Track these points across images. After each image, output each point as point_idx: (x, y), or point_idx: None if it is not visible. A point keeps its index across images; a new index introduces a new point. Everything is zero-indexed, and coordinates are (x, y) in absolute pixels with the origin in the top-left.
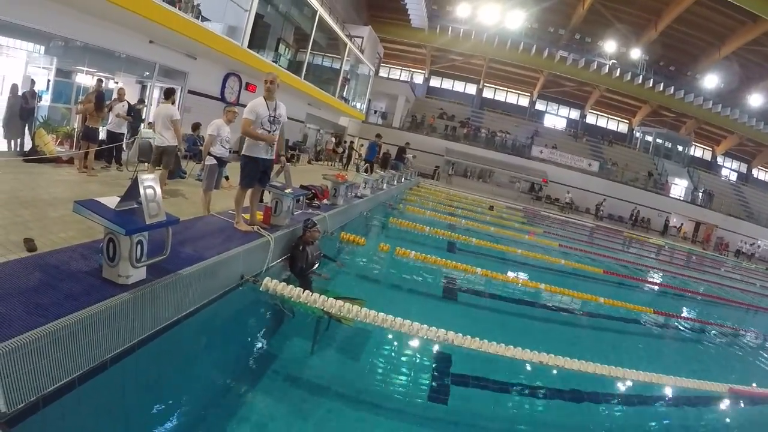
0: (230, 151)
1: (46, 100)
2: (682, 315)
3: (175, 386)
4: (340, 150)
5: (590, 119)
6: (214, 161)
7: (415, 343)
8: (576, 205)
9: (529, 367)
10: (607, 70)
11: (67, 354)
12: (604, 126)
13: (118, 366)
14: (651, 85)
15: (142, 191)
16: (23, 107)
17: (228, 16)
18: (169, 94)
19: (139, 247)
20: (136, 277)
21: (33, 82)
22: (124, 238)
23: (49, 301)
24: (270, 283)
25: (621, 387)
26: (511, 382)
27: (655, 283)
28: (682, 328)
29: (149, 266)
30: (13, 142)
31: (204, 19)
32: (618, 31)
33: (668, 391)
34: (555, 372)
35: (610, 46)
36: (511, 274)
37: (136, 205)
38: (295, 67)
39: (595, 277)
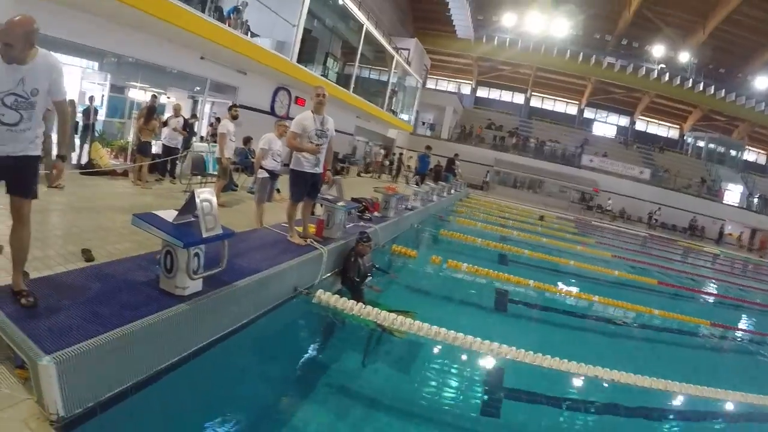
0: (282, 164)
1: (100, 115)
2: (740, 326)
3: (228, 396)
4: (388, 162)
5: (640, 126)
6: (266, 174)
7: (466, 355)
8: (628, 213)
9: (582, 381)
10: (655, 75)
11: (124, 362)
12: (655, 132)
13: (173, 375)
14: (701, 88)
15: (198, 204)
16: (82, 122)
17: (276, 32)
18: (230, 109)
19: (196, 259)
20: (192, 288)
21: (92, 98)
22: (182, 251)
23: (107, 310)
24: (323, 295)
25: (677, 402)
26: (564, 396)
27: (711, 294)
28: (740, 340)
29: (206, 278)
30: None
31: (253, 35)
32: (665, 34)
33: (727, 407)
34: (609, 386)
35: (657, 50)
36: (563, 286)
37: (193, 219)
38: (343, 80)
39: (649, 288)
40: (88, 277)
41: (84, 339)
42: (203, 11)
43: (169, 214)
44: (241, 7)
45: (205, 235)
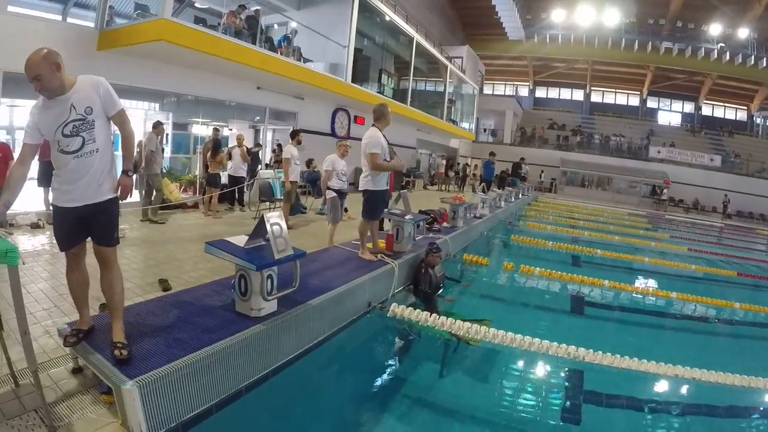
0: (348, 183)
1: (166, 152)
2: None
3: (308, 412)
4: (452, 174)
5: (706, 110)
6: (334, 194)
7: (544, 361)
8: (702, 204)
9: (663, 381)
10: (716, 56)
11: (204, 383)
12: (722, 116)
13: (253, 394)
14: (765, 64)
15: (269, 228)
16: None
17: (328, 55)
18: (293, 136)
19: (269, 281)
20: (267, 309)
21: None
22: (255, 274)
23: (187, 335)
24: (396, 309)
25: (765, 398)
26: (646, 397)
27: None
28: None
29: (280, 298)
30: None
31: (306, 60)
32: (721, 11)
33: None
34: (691, 385)
35: (714, 29)
36: (638, 284)
37: (264, 242)
38: (399, 95)
39: (729, 281)
40: (166, 305)
41: (165, 363)
42: (254, 43)
43: (240, 240)
44: (291, 35)
45: (276, 256)
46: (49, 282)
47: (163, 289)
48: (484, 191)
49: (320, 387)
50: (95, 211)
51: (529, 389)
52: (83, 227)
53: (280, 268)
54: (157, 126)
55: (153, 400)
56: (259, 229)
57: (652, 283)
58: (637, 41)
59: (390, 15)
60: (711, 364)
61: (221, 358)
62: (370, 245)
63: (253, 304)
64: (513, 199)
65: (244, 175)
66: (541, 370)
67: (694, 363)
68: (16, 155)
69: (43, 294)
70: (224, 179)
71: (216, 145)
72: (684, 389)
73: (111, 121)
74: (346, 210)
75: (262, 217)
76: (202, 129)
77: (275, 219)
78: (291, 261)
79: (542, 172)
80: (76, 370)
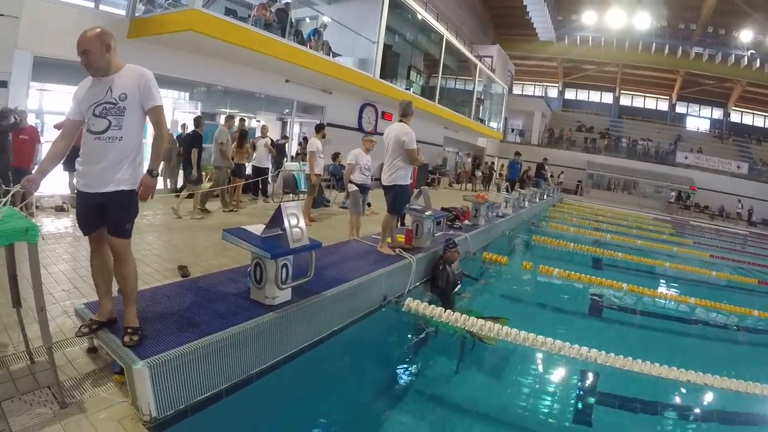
0: (372, 179)
1: None
2: None
3: (318, 401)
4: (479, 174)
5: (734, 117)
6: (356, 188)
7: (559, 361)
8: (726, 211)
9: (678, 387)
10: (746, 62)
11: (215, 367)
12: (750, 123)
13: (264, 380)
14: None
15: (285, 218)
16: (178, 151)
17: (357, 50)
18: (318, 129)
19: (284, 270)
20: (282, 298)
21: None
22: (270, 262)
23: (200, 319)
24: (412, 303)
25: None
26: (660, 401)
27: None
28: None
29: (294, 288)
30: (169, 180)
31: (335, 54)
32: (752, 18)
33: None
34: (707, 392)
35: (745, 35)
36: (658, 289)
37: (280, 232)
38: (428, 92)
39: (750, 289)
40: (183, 290)
41: (176, 346)
42: (283, 36)
43: (257, 228)
44: (321, 29)
45: (292, 246)
46: (71, 264)
47: (182, 275)
48: (508, 191)
49: (331, 377)
50: (108, 200)
51: (543, 389)
52: (99, 214)
53: (296, 259)
54: (228, 120)
55: (163, 381)
56: (276, 219)
57: (671, 288)
58: (668, 45)
59: (420, 12)
60: (725, 370)
61: (232, 343)
62: (389, 240)
63: (268, 292)
64: (537, 199)
65: (269, 166)
66: (555, 370)
67: (710, 369)
68: (44, 139)
69: (63, 275)
70: (249, 170)
71: (242, 135)
72: (697, 395)
73: (147, 117)
74: (369, 205)
75: (279, 207)
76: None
77: (292, 210)
78: (306, 251)
79: (561, 173)
80: (91, 350)
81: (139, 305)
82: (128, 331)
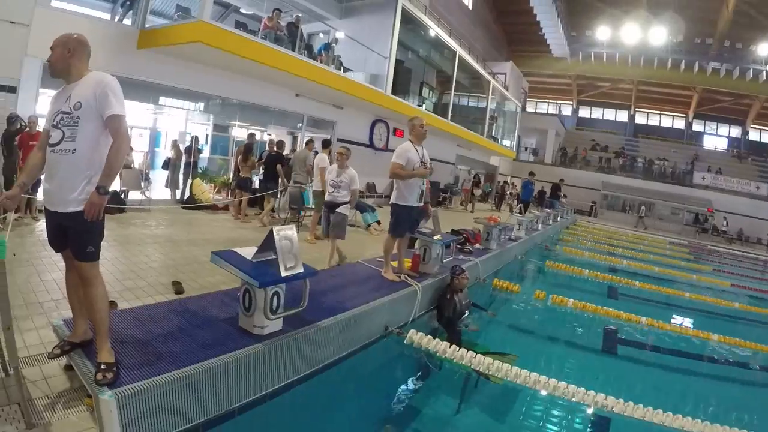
0: (383, 196)
1: (204, 153)
2: None
3: None
4: (479, 192)
5: (753, 135)
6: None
7: (569, 406)
8: (746, 235)
9: None
10: (764, 77)
11: (193, 400)
12: None
13: (247, 415)
14: None
15: (277, 243)
16: (186, 161)
17: (369, 65)
18: (325, 145)
19: (275, 298)
20: (271, 327)
21: (195, 138)
22: (259, 290)
23: (181, 348)
24: (415, 336)
25: None
26: None
27: None
28: None
29: (286, 317)
30: (176, 191)
31: (346, 69)
32: None
33: None
34: None
35: (763, 49)
36: (677, 322)
37: (272, 257)
38: (440, 109)
39: None
40: (170, 311)
41: (150, 376)
42: (293, 50)
43: (249, 252)
44: (333, 44)
45: (284, 273)
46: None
47: (175, 291)
48: (521, 212)
49: (322, 412)
50: (68, 222)
51: None
52: (63, 233)
53: (292, 285)
54: (309, 143)
55: (133, 413)
56: (268, 243)
57: (691, 322)
58: (684, 61)
59: (433, 27)
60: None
61: (213, 375)
62: (395, 264)
63: (256, 321)
64: (551, 221)
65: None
66: (565, 415)
67: (738, 420)
68: None
69: (56, 284)
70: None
71: (248, 149)
72: None
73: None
74: (378, 222)
75: (272, 230)
76: (242, 132)
77: (286, 233)
78: (299, 280)
79: (564, 195)
80: (69, 368)
81: (123, 325)
82: (101, 367)
